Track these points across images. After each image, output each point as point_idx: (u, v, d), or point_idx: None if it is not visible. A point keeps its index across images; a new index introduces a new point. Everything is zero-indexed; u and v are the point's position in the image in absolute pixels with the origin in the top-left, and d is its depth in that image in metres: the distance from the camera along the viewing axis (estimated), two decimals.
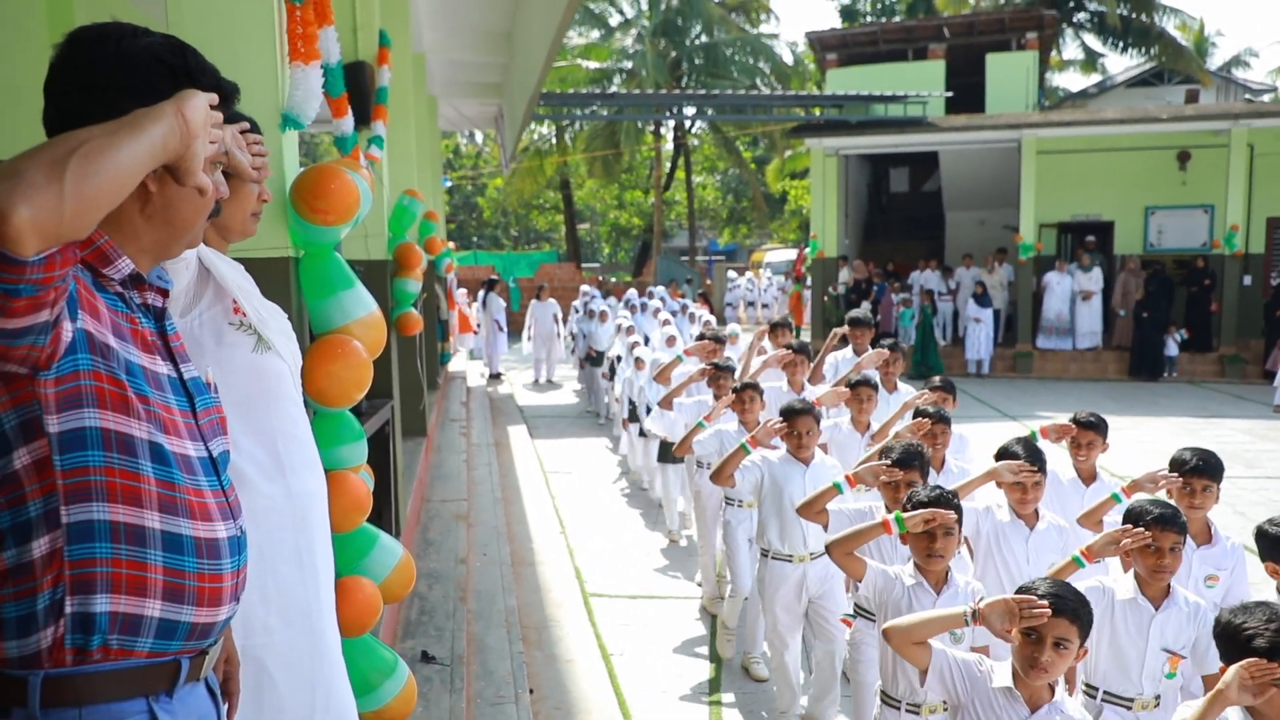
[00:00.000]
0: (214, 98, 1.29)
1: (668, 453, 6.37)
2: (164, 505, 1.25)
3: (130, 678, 1.24)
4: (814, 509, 3.22)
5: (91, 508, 1.20)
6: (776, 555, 3.80)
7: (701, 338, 6.27)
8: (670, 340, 8.75)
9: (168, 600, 1.25)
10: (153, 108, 1.21)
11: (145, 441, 1.23)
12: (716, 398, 4.93)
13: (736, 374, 5.34)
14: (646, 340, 9.32)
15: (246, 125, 1.79)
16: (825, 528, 3.23)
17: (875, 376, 4.92)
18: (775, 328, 6.19)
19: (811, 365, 5.64)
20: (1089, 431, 3.83)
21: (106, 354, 1.21)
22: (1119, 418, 10.71)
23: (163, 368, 1.33)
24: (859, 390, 4.68)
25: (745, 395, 4.46)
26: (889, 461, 3.18)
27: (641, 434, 7.42)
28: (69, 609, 1.19)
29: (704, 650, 4.87)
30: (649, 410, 6.86)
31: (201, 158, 1.25)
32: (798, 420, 3.80)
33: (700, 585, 5.56)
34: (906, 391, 5.14)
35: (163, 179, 1.30)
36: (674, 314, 11.38)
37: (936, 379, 4.72)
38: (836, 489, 3.20)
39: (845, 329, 5.96)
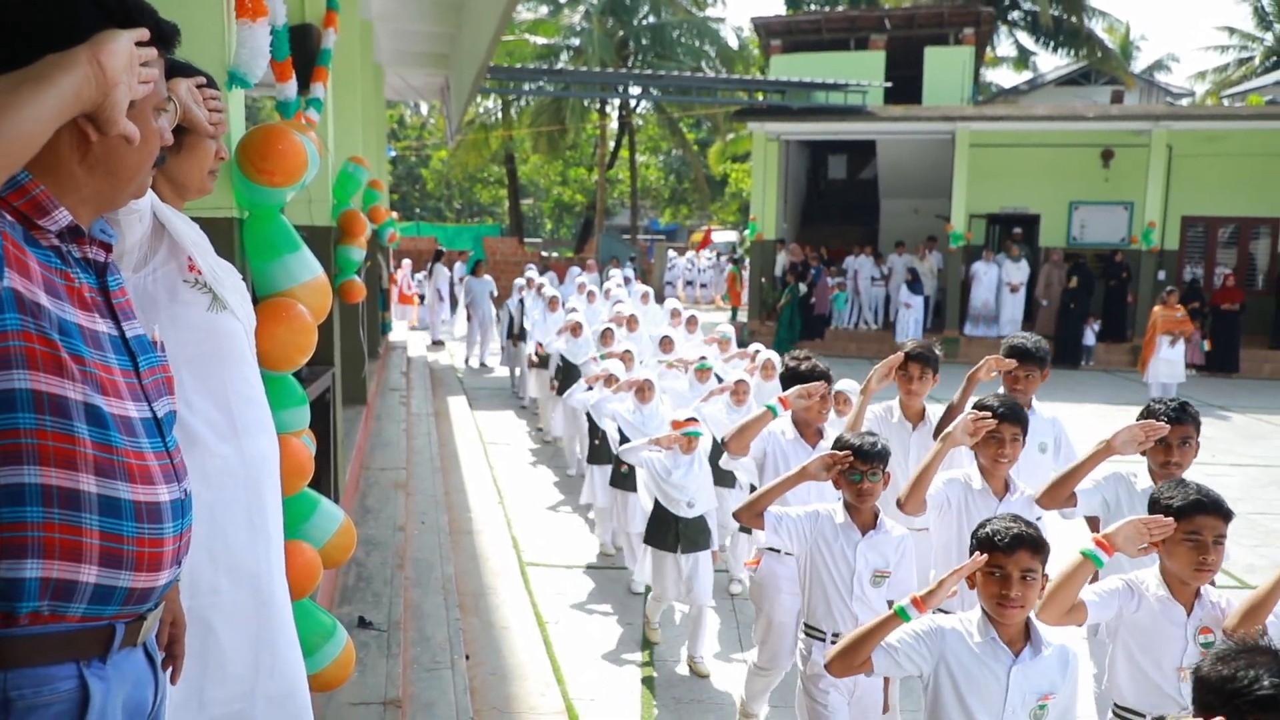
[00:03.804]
0: (141, 33, 1.20)
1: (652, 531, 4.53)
2: (100, 469, 1.20)
3: (60, 642, 1.20)
4: None
5: (23, 471, 1.15)
6: None
7: (795, 375, 3.61)
8: (666, 344, 6.80)
9: (104, 565, 1.21)
10: (64, 54, 1.12)
11: (80, 403, 1.18)
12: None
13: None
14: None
15: (203, 80, 1.76)
16: None
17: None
18: (911, 359, 3.67)
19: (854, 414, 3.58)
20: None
21: (37, 313, 1.15)
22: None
23: (102, 325, 1.26)
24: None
25: (1016, 564, 2.14)
26: None
27: (615, 483, 5.39)
28: None
29: (636, 619, 5.00)
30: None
31: (124, 105, 1.17)
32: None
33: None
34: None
35: None
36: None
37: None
38: None
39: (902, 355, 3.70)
